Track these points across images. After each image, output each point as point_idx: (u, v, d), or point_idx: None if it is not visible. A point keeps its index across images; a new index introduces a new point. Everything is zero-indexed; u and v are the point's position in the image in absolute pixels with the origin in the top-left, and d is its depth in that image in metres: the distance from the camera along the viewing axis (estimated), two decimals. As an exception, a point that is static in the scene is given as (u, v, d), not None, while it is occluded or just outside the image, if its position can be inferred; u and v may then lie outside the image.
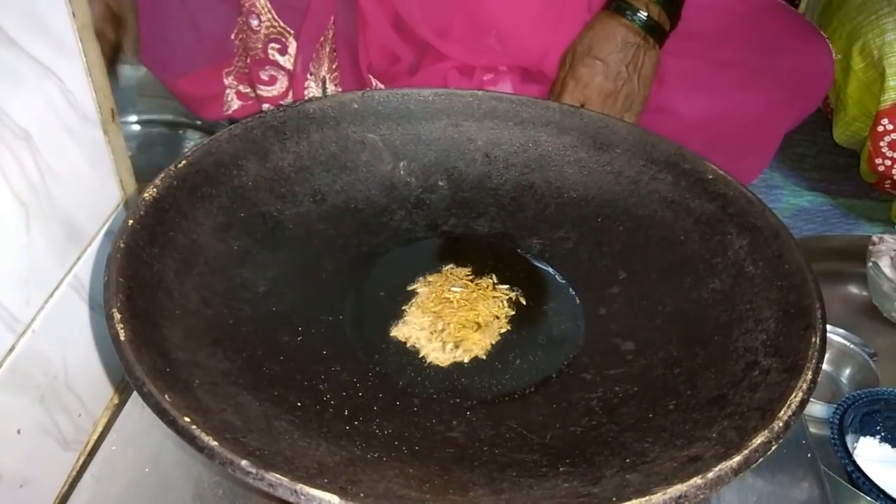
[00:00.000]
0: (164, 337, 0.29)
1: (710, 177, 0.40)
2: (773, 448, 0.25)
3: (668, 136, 0.78)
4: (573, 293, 0.40)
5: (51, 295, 0.49)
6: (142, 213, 0.34)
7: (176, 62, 0.81)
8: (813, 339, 0.29)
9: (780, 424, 0.25)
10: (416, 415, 0.32)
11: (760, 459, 0.24)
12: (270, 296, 0.36)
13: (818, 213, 0.86)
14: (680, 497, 0.23)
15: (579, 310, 0.39)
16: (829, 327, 0.63)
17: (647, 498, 0.22)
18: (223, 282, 0.35)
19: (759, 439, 0.25)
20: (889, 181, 0.78)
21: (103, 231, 0.56)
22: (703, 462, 0.24)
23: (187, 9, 0.78)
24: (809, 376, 0.27)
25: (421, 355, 0.36)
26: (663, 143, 0.43)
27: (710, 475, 0.23)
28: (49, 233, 0.49)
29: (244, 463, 0.23)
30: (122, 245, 0.31)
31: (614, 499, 0.23)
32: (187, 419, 0.24)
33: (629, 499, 0.22)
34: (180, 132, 0.97)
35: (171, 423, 0.24)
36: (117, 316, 0.28)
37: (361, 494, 0.23)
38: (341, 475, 0.24)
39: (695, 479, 0.23)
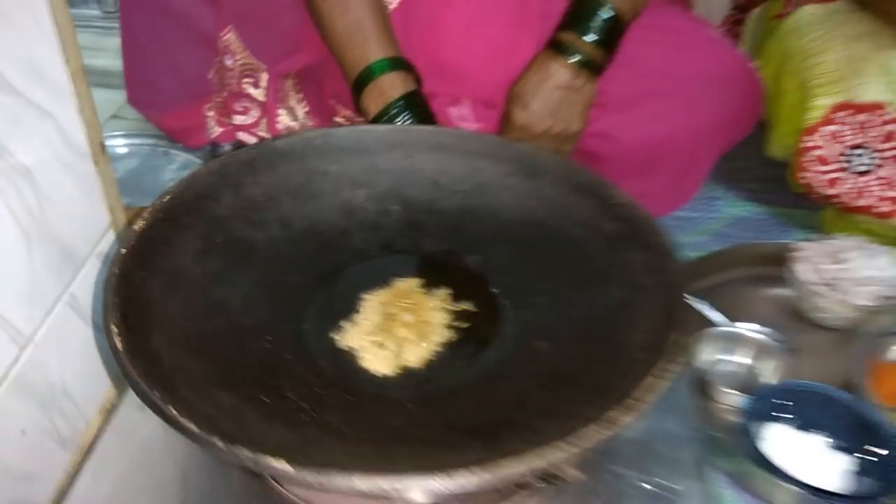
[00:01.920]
0: (153, 346, 0.36)
1: (619, 202, 0.47)
2: (633, 420, 0.32)
3: (610, 159, 0.86)
4: (505, 302, 0.47)
5: (49, 311, 0.56)
6: (132, 242, 0.40)
7: (160, 101, 0.88)
8: (672, 337, 0.36)
9: (641, 404, 0.32)
10: (363, 407, 0.38)
11: (625, 427, 0.31)
12: (243, 310, 0.42)
13: (754, 221, 0.94)
14: (556, 458, 0.30)
15: (509, 317, 0.46)
16: (751, 325, 0.71)
17: (525, 458, 0.29)
18: (202, 299, 0.41)
19: (626, 418, 0.32)
20: (815, 193, 0.85)
21: (95, 253, 0.62)
22: (581, 432, 0.31)
23: (168, 52, 0.85)
24: (669, 367, 0.34)
25: (369, 358, 0.43)
26: (583, 172, 0.50)
27: (583, 441, 0.30)
28: (47, 256, 0.55)
29: (217, 441, 0.29)
30: (116, 271, 0.38)
31: (501, 461, 0.30)
32: (174, 411, 0.31)
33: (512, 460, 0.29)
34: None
35: (161, 414, 0.31)
36: (115, 330, 0.34)
37: (310, 464, 0.29)
38: (296, 452, 0.31)
39: (571, 446, 0.30)
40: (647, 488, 0.40)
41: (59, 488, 0.58)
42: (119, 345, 0.33)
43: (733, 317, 0.73)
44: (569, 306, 0.44)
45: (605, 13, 0.76)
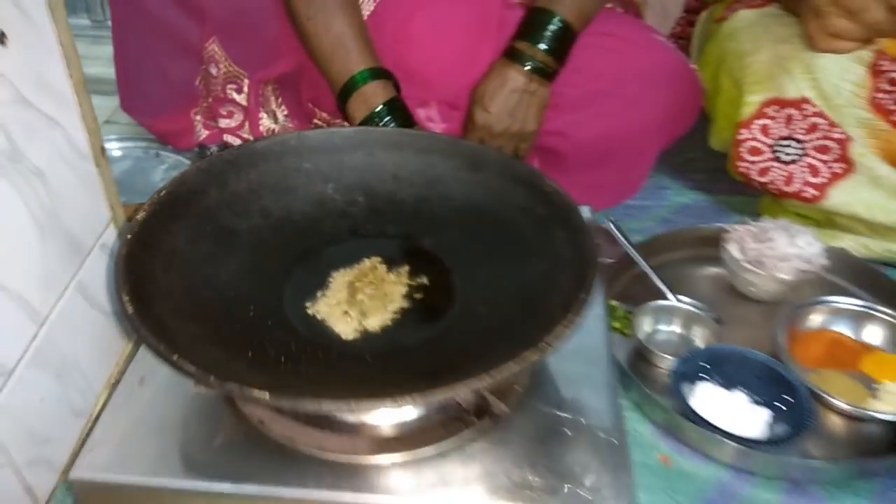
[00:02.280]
0: (157, 312, 0.44)
1: (549, 190, 0.55)
2: (541, 358, 0.40)
3: (566, 154, 0.94)
4: (454, 276, 0.55)
5: (61, 295, 0.64)
6: (136, 229, 0.48)
7: (150, 107, 0.96)
8: (581, 297, 0.44)
9: (550, 347, 0.41)
10: (332, 361, 0.47)
11: (534, 364, 0.40)
12: (230, 284, 0.51)
13: (698, 208, 1.02)
14: (477, 385, 0.38)
15: (456, 288, 0.54)
16: (683, 298, 0.80)
17: (454, 387, 0.38)
18: (195, 275, 0.49)
19: (535, 356, 0.40)
20: (750, 181, 0.94)
21: (98, 244, 0.70)
22: (500, 367, 0.40)
23: (157, 62, 0.92)
24: (576, 319, 0.43)
25: (336, 323, 0.51)
26: (519, 165, 0.59)
27: (500, 374, 0.39)
28: (58, 246, 0.63)
29: (212, 379, 0.37)
30: (124, 252, 0.46)
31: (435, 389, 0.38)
32: (176, 358, 0.39)
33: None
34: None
35: (168, 362, 0.39)
36: (126, 299, 0.42)
37: (285, 395, 0.37)
38: (276, 389, 0.39)
39: (489, 377, 0.39)
40: (565, 418, 0.48)
41: (73, 452, 0.66)
42: (130, 310, 0.41)
43: (676, 291, 0.82)
44: (505, 277, 0.53)
45: (556, 24, 0.84)
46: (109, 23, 1.27)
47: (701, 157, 1.05)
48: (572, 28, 0.86)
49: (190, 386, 0.48)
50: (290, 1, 0.82)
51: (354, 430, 0.48)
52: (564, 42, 0.86)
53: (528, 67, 0.85)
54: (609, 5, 0.97)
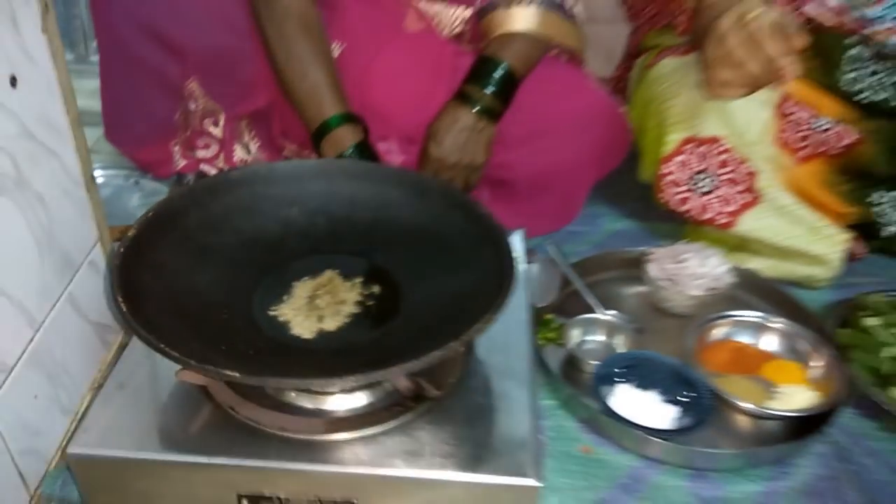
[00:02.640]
0: (146, 312, 0.53)
1: (481, 214, 0.66)
2: (460, 346, 0.50)
3: (511, 185, 1.05)
4: (402, 287, 0.65)
5: (54, 305, 0.72)
6: (128, 244, 0.57)
7: (133, 138, 1.04)
8: (498, 301, 0.54)
9: (469, 338, 0.51)
10: (291, 355, 0.56)
11: (455, 351, 0.49)
12: (207, 291, 0.60)
13: (629, 233, 1.14)
14: (406, 369, 0.48)
15: (402, 296, 0.64)
16: (610, 311, 0.91)
17: (389, 371, 0.47)
18: (178, 283, 0.58)
19: (456, 345, 0.50)
20: (672, 209, 1.06)
21: (87, 261, 0.78)
22: (427, 355, 0.49)
23: (140, 97, 1.01)
24: (493, 317, 0.52)
25: (296, 325, 0.60)
26: (457, 193, 0.69)
27: (426, 360, 0.48)
28: (53, 262, 0.71)
29: (192, 362, 0.46)
30: (118, 263, 0.55)
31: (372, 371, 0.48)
32: (163, 346, 0.47)
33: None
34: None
35: (156, 349, 0.48)
36: (120, 300, 0.51)
37: (252, 375, 0.46)
38: (245, 371, 0.48)
39: (418, 361, 0.48)
40: (489, 403, 0.58)
41: (60, 445, 0.74)
42: (124, 309, 0.50)
43: (604, 306, 0.92)
44: (443, 286, 0.62)
45: (501, 71, 0.96)
46: (92, 58, 1.36)
47: (633, 188, 1.16)
48: (516, 74, 0.98)
49: (173, 377, 0.57)
50: (269, 49, 0.93)
51: (311, 413, 0.57)
52: (509, 86, 0.98)
53: (477, 109, 0.96)
54: (554, 52, 1.09)
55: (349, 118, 0.91)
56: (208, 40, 0.97)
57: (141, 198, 1.15)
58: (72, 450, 0.55)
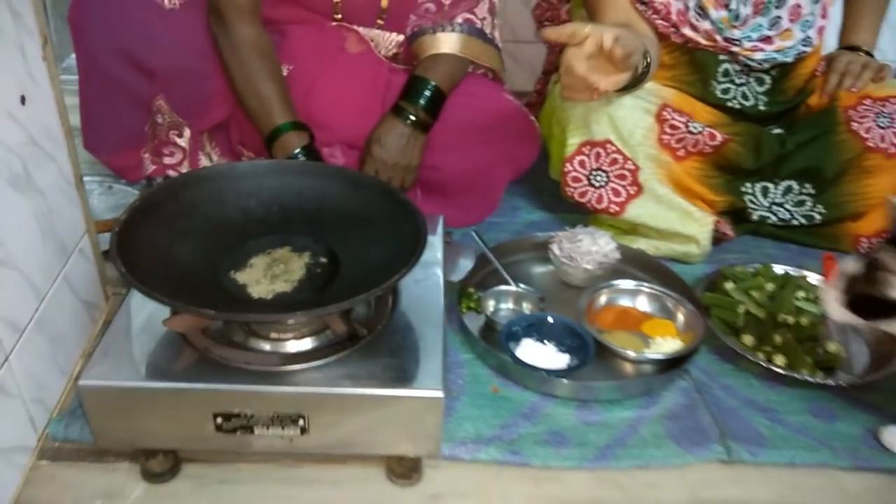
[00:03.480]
0: (139, 274, 0.69)
1: (403, 200, 0.84)
2: (377, 293, 0.68)
3: (440, 183, 1.23)
4: (341, 257, 0.82)
5: (53, 282, 0.87)
6: (121, 226, 0.73)
7: (108, 147, 1.19)
8: (412, 259, 0.72)
9: (385, 287, 0.68)
10: (251, 309, 0.72)
11: (372, 296, 0.67)
12: (184, 263, 0.76)
13: (543, 223, 1.33)
14: (337, 308, 0.65)
15: (342, 263, 0.81)
16: (521, 284, 1.09)
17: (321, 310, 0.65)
18: (161, 256, 0.75)
19: (375, 292, 0.68)
20: (575, 201, 1.25)
21: (78, 248, 0.94)
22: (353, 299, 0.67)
23: (114, 111, 1.16)
24: (406, 272, 0.70)
25: (254, 287, 0.77)
26: (384, 185, 0.87)
27: (352, 302, 0.66)
28: (52, 246, 0.87)
29: (176, 303, 0.63)
30: (115, 240, 0.71)
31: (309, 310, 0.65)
32: (157, 294, 0.64)
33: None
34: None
35: (149, 296, 0.64)
36: (121, 263, 0.67)
37: (222, 313, 0.63)
38: (218, 311, 0.64)
39: (345, 303, 0.66)
40: (408, 342, 0.75)
41: (59, 399, 0.89)
42: (124, 270, 0.66)
43: (519, 280, 1.11)
44: (372, 255, 0.80)
45: (430, 89, 1.15)
46: (68, 76, 1.49)
47: (546, 185, 1.36)
48: (443, 91, 1.17)
49: (161, 330, 0.74)
50: (228, 70, 1.10)
51: (270, 352, 0.74)
52: (437, 101, 1.17)
53: (410, 121, 1.14)
54: (480, 71, 1.28)
55: (296, 125, 1.09)
56: (175, 63, 1.13)
57: (114, 200, 1.30)
58: (83, 382, 0.70)
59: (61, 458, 0.83)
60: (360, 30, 1.27)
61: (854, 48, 1.36)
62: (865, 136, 1.24)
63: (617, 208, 1.21)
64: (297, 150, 1.08)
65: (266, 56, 1.11)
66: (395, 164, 1.16)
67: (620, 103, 1.19)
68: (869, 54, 1.36)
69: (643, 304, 1.09)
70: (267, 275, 0.79)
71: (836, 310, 0.80)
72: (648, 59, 1.09)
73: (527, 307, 1.07)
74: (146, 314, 0.79)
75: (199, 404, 0.71)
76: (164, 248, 0.76)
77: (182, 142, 1.21)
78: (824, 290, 0.82)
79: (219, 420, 0.72)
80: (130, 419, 0.73)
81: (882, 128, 1.23)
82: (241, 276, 0.79)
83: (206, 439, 0.74)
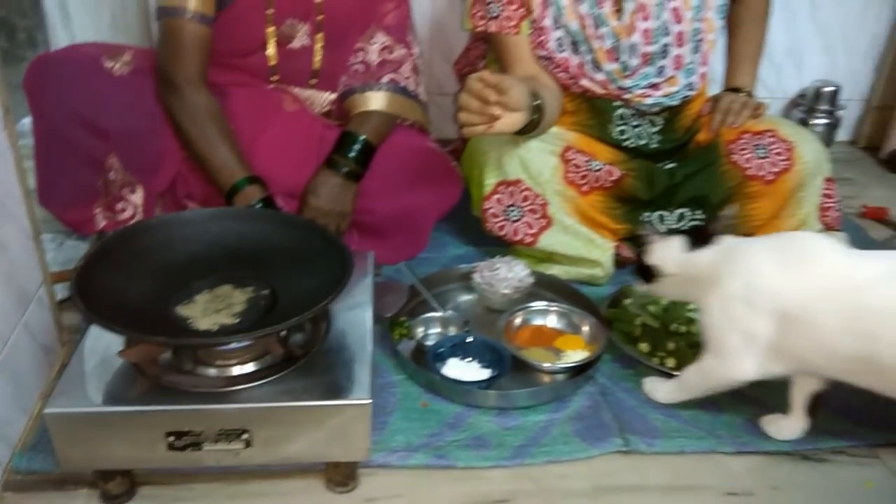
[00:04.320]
0: (97, 309, 0.79)
1: (331, 238, 0.96)
2: (309, 315, 0.79)
3: (373, 225, 1.36)
4: (278, 289, 0.94)
5: (15, 327, 0.96)
6: (79, 269, 0.84)
7: (62, 202, 1.28)
8: (337, 289, 0.84)
9: (316, 311, 0.80)
10: (197, 335, 0.83)
11: (305, 319, 0.79)
12: (137, 301, 0.86)
13: (469, 256, 1.46)
14: (272, 330, 0.77)
15: (280, 298, 0.92)
16: (448, 311, 1.22)
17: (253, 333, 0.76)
18: (115, 293, 0.85)
19: (307, 315, 0.79)
20: (495, 235, 1.39)
21: (37, 297, 1.03)
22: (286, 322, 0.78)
23: (68, 169, 1.25)
24: (331, 299, 0.82)
25: (198, 321, 0.87)
26: (315, 225, 0.99)
27: (286, 325, 0.77)
28: (14, 295, 0.96)
29: (132, 332, 0.73)
30: (75, 281, 0.81)
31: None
32: (114, 325, 0.74)
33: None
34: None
35: (108, 329, 0.74)
36: (80, 300, 0.77)
37: (172, 339, 0.73)
38: (167, 337, 0.75)
39: (279, 326, 0.77)
40: (340, 360, 0.87)
41: (21, 437, 0.96)
42: (83, 307, 0.77)
43: (447, 307, 1.23)
44: (305, 286, 0.91)
45: (360, 143, 1.29)
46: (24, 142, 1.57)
47: (471, 222, 1.50)
48: (372, 144, 1.31)
49: (117, 364, 0.84)
50: (184, 133, 1.22)
51: (216, 376, 0.85)
52: (367, 153, 1.31)
53: (343, 172, 1.28)
54: (408, 123, 1.43)
55: (253, 180, 1.21)
56: (126, 123, 1.23)
57: (65, 254, 1.38)
58: (49, 410, 0.79)
59: (24, 489, 0.91)
60: (296, 90, 1.41)
61: (736, 89, 1.55)
62: (746, 165, 1.41)
63: (531, 239, 1.35)
64: (256, 202, 1.20)
65: (218, 119, 1.24)
66: (329, 212, 1.29)
67: (528, 147, 1.34)
68: (749, 94, 1.55)
69: (553, 321, 1.23)
70: (210, 309, 0.90)
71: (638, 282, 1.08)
72: (538, 102, 1.23)
73: (453, 330, 1.20)
74: (103, 349, 0.88)
75: (153, 425, 0.81)
76: (118, 288, 0.86)
77: (134, 198, 1.30)
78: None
79: (170, 439, 0.82)
80: (92, 443, 0.82)
81: (760, 158, 1.41)
82: (187, 311, 0.89)
83: (160, 458, 0.83)
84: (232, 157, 1.22)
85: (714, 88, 1.58)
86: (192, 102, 1.21)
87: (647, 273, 1.05)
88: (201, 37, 1.23)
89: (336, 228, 1.31)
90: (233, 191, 1.21)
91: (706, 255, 0.99)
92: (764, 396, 1.09)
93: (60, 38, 1.79)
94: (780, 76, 2.13)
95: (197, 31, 1.22)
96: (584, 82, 1.40)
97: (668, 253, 1.02)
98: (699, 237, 1.01)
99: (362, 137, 1.30)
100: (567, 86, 1.41)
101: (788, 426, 1.03)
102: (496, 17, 1.35)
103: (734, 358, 0.96)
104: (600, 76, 1.40)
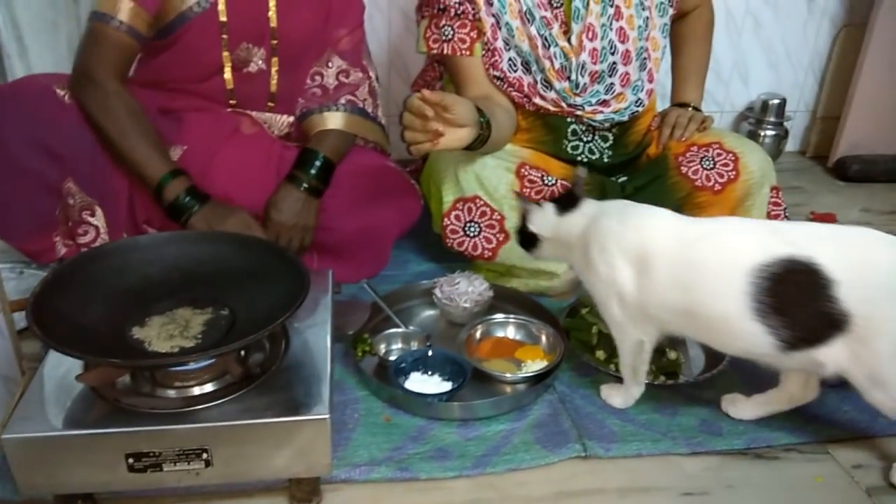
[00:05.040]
0: (54, 335, 0.79)
1: (288, 258, 0.98)
2: (264, 334, 0.81)
3: (335, 242, 1.38)
4: (236, 310, 0.95)
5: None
6: (35, 296, 0.84)
7: (20, 232, 1.27)
8: (294, 306, 0.85)
9: (269, 330, 0.81)
10: (153, 358, 0.84)
11: (261, 336, 0.80)
12: (94, 326, 0.87)
13: (431, 272, 1.48)
14: (230, 349, 0.78)
15: (239, 318, 0.93)
16: (411, 327, 1.24)
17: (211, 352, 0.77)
18: (72, 317, 0.85)
19: (262, 333, 0.81)
20: (455, 251, 1.42)
21: (-6, 326, 1.02)
22: (237, 343, 0.79)
23: (25, 198, 1.25)
24: (288, 315, 0.84)
25: (155, 343, 0.88)
26: (272, 245, 1.01)
27: (241, 343, 0.79)
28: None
29: (90, 357, 0.74)
30: (31, 308, 0.81)
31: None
32: (70, 350, 0.75)
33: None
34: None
35: (65, 353, 0.75)
36: (36, 327, 0.78)
37: (128, 362, 0.74)
38: (123, 359, 0.76)
39: (237, 345, 0.78)
40: (300, 376, 0.88)
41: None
42: (39, 333, 0.77)
43: (409, 323, 1.25)
44: (262, 304, 0.92)
45: (320, 160, 1.31)
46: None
47: (432, 239, 1.53)
48: (332, 161, 1.33)
49: (75, 390, 0.84)
50: (99, 128, 1.21)
51: (174, 397, 0.85)
52: (327, 170, 1.33)
53: (304, 188, 1.29)
54: (370, 145, 1.45)
55: (176, 172, 1.22)
56: (80, 145, 1.22)
57: (25, 283, 1.38)
58: (6, 435, 0.79)
59: (-17, 519, 0.90)
60: (254, 114, 1.43)
61: (683, 104, 1.60)
62: (693, 177, 1.46)
63: (490, 253, 1.39)
64: (182, 191, 1.21)
65: (136, 113, 1.23)
66: (294, 226, 1.30)
67: (484, 163, 1.38)
68: (696, 108, 1.61)
69: (513, 332, 1.25)
70: (166, 331, 0.90)
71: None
72: (484, 119, 1.26)
73: (415, 345, 1.22)
74: (61, 374, 0.88)
75: (112, 447, 0.81)
76: (75, 314, 0.87)
77: (94, 220, 1.30)
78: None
79: (130, 460, 0.82)
80: (51, 467, 0.81)
81: (707, 169, 1.46)
82: (144, 334, 0.90)
83: (120, 480, 0.83)
84: (153, 153, 1.22)
85: (663, 104, 1.64)
86: (110, 96, 1.21)
87: (529, 239, 1.13)
88: (128, 46, 1.24)
89: (300, 243, 1.32)
90: (159, 186, 1.21)
91: (574, 219, 1.09)
92: (717, 399, 1.13)
93: (17, 69, 1.79)
94: (728, 90, 2.21)
95: (124, 40, 1.23)
96: (537, 101, 1.44)
97: (543, 219, 1.11)
98: (567, 201, 1.11)
99: (322, 154, 1.32)
100: (521, 104, 1.45)
101: (746, 407, 1.10)
102: (449, 40, 1.39)
103: (618, 319, 1.05)
104: (552, 94, 1.44)
